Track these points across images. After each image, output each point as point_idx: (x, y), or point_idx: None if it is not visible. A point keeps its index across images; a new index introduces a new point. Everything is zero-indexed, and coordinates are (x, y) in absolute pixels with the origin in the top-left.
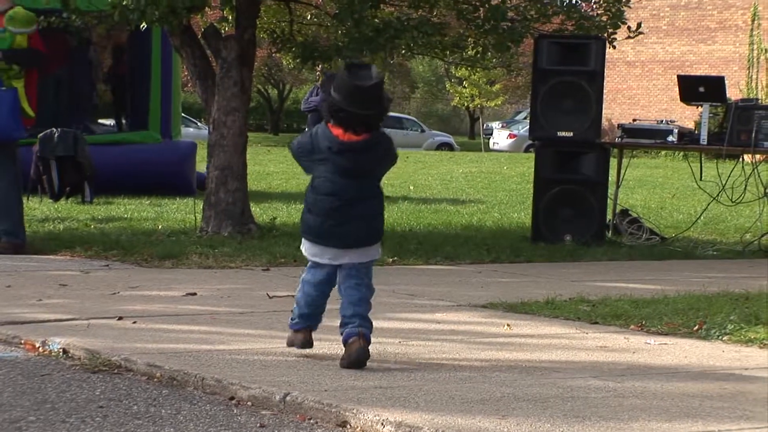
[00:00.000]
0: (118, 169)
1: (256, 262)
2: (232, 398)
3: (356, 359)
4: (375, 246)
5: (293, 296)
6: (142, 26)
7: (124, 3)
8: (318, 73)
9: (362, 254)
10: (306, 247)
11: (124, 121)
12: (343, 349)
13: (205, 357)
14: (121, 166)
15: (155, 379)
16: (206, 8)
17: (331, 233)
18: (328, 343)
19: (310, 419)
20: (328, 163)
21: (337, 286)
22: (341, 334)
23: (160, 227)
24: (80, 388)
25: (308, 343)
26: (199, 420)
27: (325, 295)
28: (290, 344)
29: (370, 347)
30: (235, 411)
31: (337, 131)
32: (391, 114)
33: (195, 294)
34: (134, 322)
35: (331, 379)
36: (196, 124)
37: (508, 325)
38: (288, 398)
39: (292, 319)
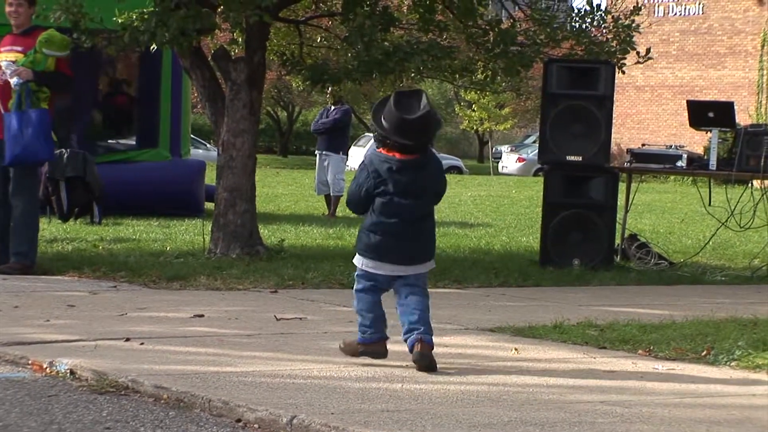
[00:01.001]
0: (128, 187)
1: (264, 284)
2: (239, 420)
3: (424, 365)
4: (432, 260)
5: (301, 318)
6: (152, 48)
7: (135, 24)
8: (327, 95)
9: (422, 267)
10: (370, 266)
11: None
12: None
13: (212, 379)
14: (130, 183)
15: (162, 401)
16: (216, 30)
17: (398, 251)
18: (335, 366)
19: None
20: (388, 183)
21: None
22: (405, 341)
23: (168, 249)
24: (87, 409)
25: (385, 354)
26: None
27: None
28: (360, 355)
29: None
30: None
31: (393, 154)
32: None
33: (203, 316)
34: (142, 344)
35: (338, 402)
36: (206, 145)
37: (515, 349)
38: (295, 421)
39: (363, 333)
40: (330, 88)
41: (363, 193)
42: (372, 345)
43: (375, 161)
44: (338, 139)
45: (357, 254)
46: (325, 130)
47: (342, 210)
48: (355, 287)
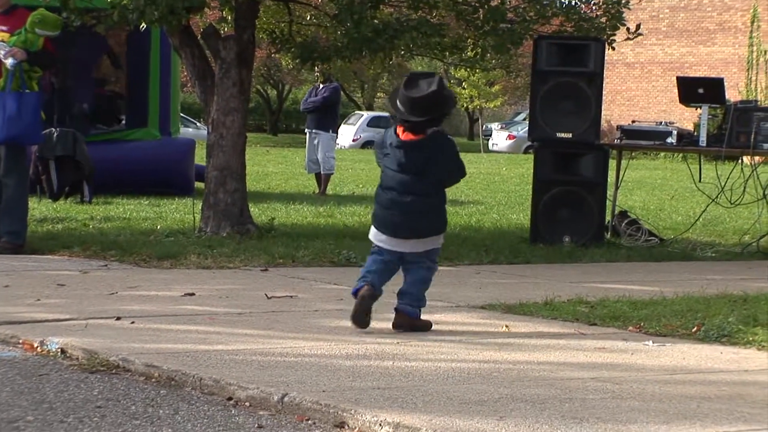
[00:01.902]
0: (118, 166)
1: (255, 263)
2: (230, 398)
3: (397, 327)
4: (431, 238)
5: (291, 296)
6: (141, 26)
7: (123, 3)
8: (317, 73)
9: (418, 244)
10: (372, 234)
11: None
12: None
13: (203, 357)
14: (120, 162)
15: (153, 380)
16: (205, 8)
17: (390, 223)
18: (326, 343)
19: (308, 420)
20: (390, 157)
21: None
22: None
23: (158, 227)
24: (78, 388)
25: (370, 296)
26: (196, 420)
27: (388, 271)
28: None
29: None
30: (233, 411)
31: (399, 130)
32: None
33: (193, 294)
34: (132, 322)
35: (329, 380)
36: (195, 124)
37: (506, 326)
38: (286, 399)
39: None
40: (319, 66)
41: (375, 145)
42: (358, 292)
43: (386, 135)
44: (327, 117)
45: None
46: (314, 108)
47: (332, 188)
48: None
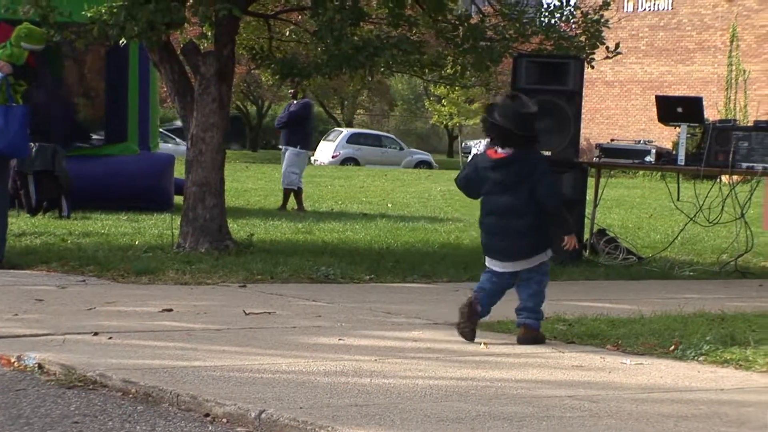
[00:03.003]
0: (97, 181)
1: (233, 279)
2: (207, 415)
3: (522, 341)
4: (539, 255)
5: (269, 313)
6: (121, 42)
7: (104, 18)
8: (290, 90)
9: (528, 262)
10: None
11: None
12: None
13: (180, 373)
14: (99, 177)
15: (130, 395)
16: (185, 24)
17: (498, 248)
18: (304, 360)
19: None
20: (488, 181)
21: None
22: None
23: (137, 243)
24: (55, 403)
25: (473, 312)
26: None
27: (500, 291)
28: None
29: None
30: (210, 428)
31: (491, 152)
32: (370, 132)
33: (171, 310)
34: (110, 338)
35: (307, 397)
36: (174, 139)
37: (484, 343)
38: (263, 415)
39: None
40: (292, 83)
41: (465, 183)
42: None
43: (480, 159)
44: (296, 133)
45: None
46: (282, 124)
47: (311, 204)
48: None
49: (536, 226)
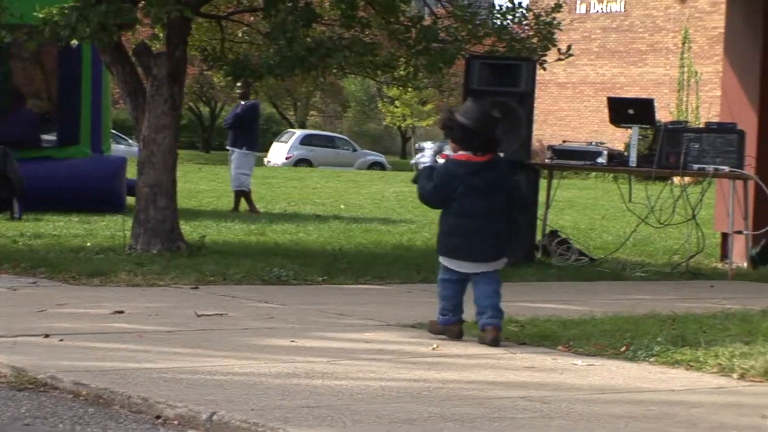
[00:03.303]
0: (48, 183)
1: (185, 280)
2: (158, 417)
3: (493, 342)
4: (504, 256)
5: (221, 315)
6: (73, 43)
7: (55, 19)
8: (238, 90)
9: (498, 264)
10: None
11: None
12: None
13: (131, 375)
14: (51, 179)
15: (81, 398)
16: (137, 25)
17: (469, 250)
18: (256, 362)
19: None
20: (462, 185)
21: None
22: (477, 322)
23: (88, 244)
24: (5, 405)
25: (460, 334)
26: None
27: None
28: (438, 333)
29: None
30: (161, 430)
31: (465, 156)
32: (323, 133)
33: (123, 312)
34: (61, 340)
35: (259, 398)
36: (127, 140)
37: (436, 345)
38: (215, 417)
39: (443, 314)
40: (239, 84)
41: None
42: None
43: (446, 169)
44: (242, 135)
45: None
46: (228, 126)
47: (264, 206)
48: None
49: (508, 228)
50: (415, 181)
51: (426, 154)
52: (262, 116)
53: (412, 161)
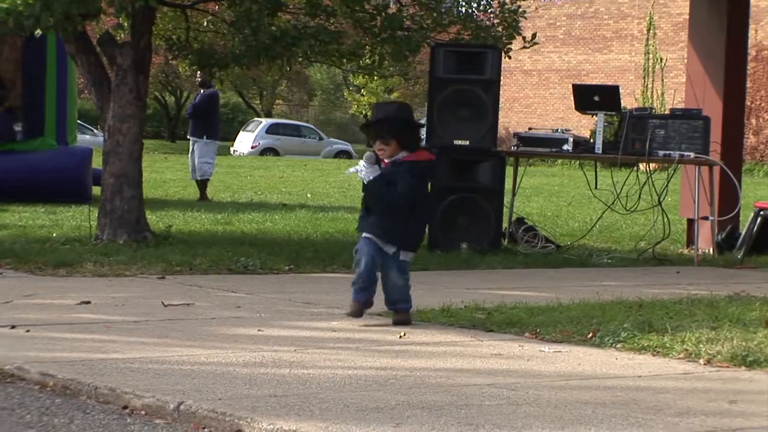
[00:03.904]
0: (14, 174)
1: (152, 270)
2: (125, 407)
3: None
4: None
5: (188, 304)
6: (37, 33)
7: (19, 9)
8: (198, 79)
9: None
10: None
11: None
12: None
13: (98, 366)
14: (16, 171)
15: (48, 388)
16: (102, 15)
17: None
18: (223, 351)
19: (204, 428)
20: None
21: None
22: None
23: (54, 235)
24: None
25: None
26: (92, 429)
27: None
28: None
29: None
30: (128, 420)
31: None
32: (289, 122)
33: (89, 302)
34: (27, 331)
35: (226, 388)
36: (92, 130)
37: (403, 332)
38: (182, 407)
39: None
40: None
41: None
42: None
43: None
44: (202, 124)
45: None
46: (188, 116)
47: (230, 195)
48: None
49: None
50: (372, 195)
51: (367, 168)
52: (222, 105)
53: (361, 177)
